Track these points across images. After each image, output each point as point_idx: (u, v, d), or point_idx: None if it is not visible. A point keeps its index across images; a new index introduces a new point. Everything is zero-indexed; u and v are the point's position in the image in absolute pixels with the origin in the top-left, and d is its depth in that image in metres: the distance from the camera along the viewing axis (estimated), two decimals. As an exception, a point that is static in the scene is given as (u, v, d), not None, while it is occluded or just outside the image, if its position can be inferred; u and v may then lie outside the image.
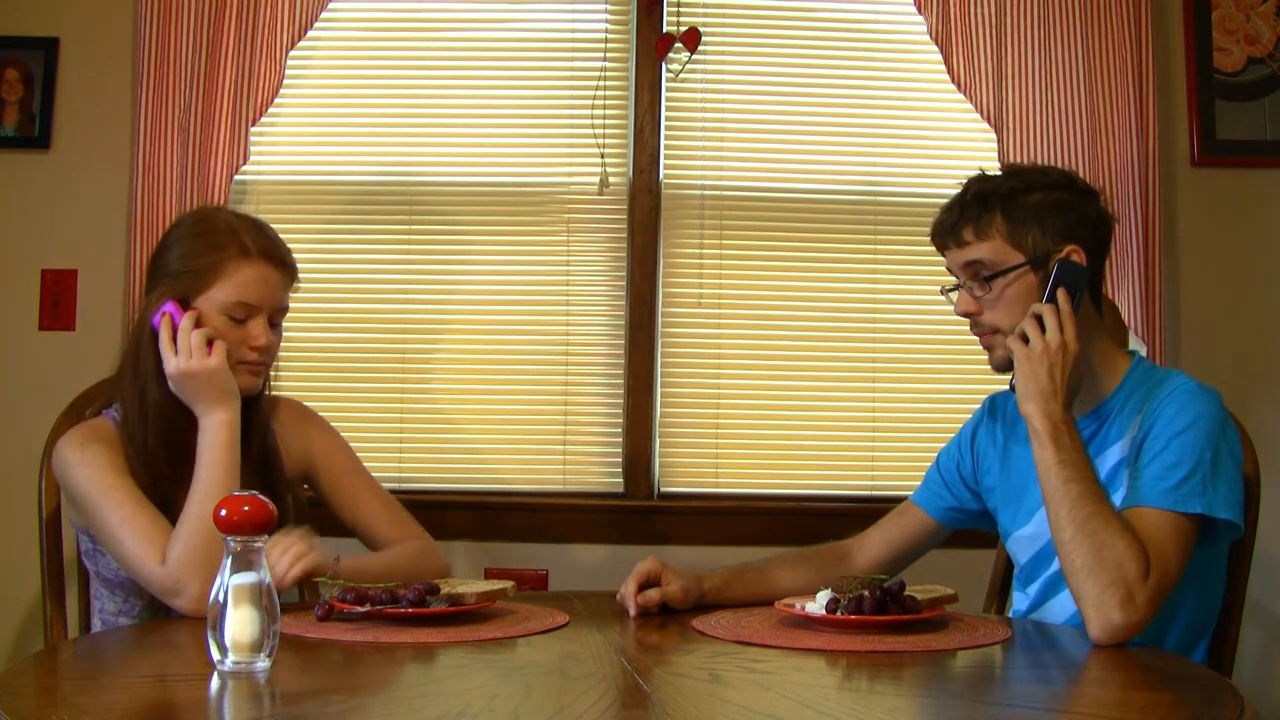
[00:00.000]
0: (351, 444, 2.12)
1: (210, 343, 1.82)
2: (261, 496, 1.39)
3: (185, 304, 1.85)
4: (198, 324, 1.83)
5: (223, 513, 1.37)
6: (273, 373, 1.98)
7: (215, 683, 1.34)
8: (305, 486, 2.09)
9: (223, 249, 1.86)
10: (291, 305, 1.95)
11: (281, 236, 1.95)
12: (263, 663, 1.37)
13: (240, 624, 1.36)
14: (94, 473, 1.80)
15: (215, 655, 1.37)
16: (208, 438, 1.80)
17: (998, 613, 2.16)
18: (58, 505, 2.03)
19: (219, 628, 1.36)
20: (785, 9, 2.96)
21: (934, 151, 2.94)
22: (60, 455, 1.85)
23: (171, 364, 1.81)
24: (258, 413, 1.96)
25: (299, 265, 1.95)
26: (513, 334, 2.91)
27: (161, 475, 1.83)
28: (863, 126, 2.94)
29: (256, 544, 1.38)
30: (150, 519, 1.77)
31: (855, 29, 2.97)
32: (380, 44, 2.93)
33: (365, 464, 2.10)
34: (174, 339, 1.82)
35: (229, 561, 1.37)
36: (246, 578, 1.37)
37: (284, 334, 1.95)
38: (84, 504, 1.82)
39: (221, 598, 1.36)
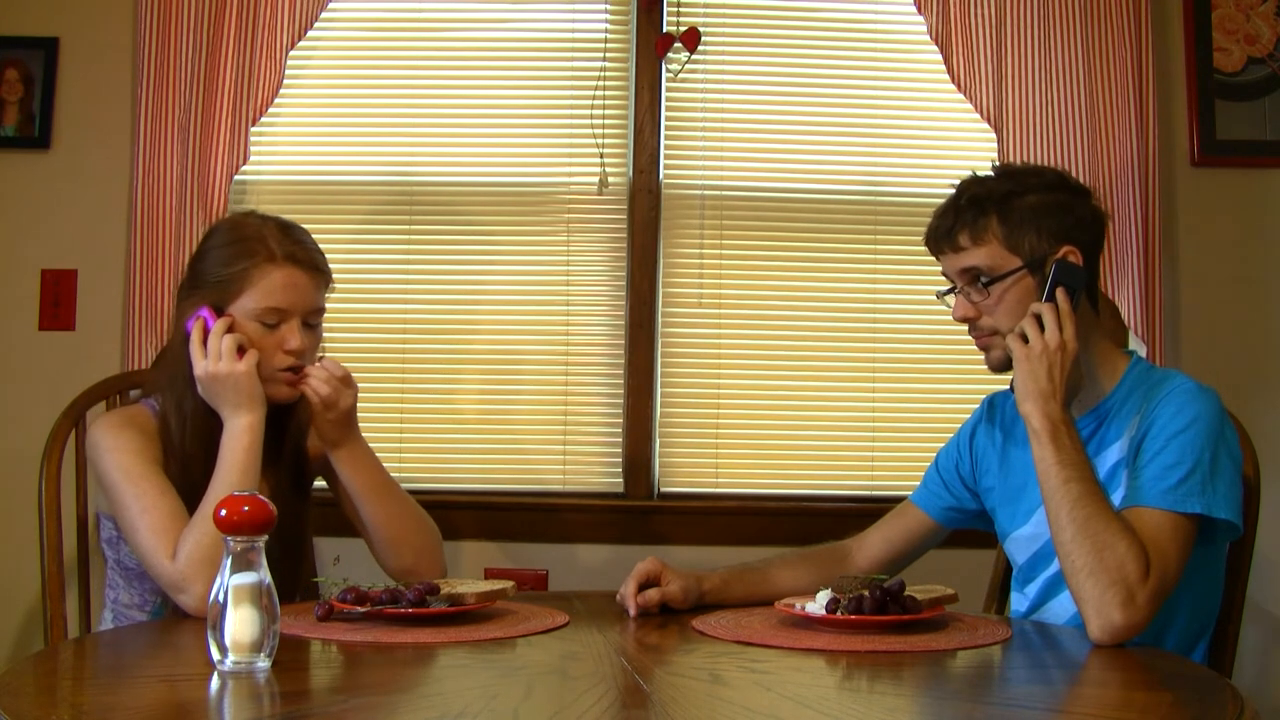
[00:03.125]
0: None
1: (242, 350, 1.83)
2: (261, 497, 1.40)
3: (220, 311, 1.86)
4: (230, 330, 1.84)
5: (223, 513, 1.37)
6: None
7: (215, 683, 1.34)
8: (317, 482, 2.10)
9: (250, 256, 1.87)
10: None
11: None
12: (263, 663, 1.37)
13: (240, 624, 1.36)
14: (123, 458, 1.81)
15: (215, 655, 1.37)
16: (230, 440, 1.81)
17: (998, 613, 2.16)
18: (59, 505, 2.03)
19: (219, 628, 1.36)
20: (785, 9, 2.96)
21: (934, 151, 2.93)
22: (94, 437, 1.87)
23: (200, 366, 1.83)
24: (296, 417, 1.97)
25: None
26: (513, 334, 2.91)
27: (195, 473, 1.84)
28: (863, 126, 2.94)
29: (257, 544, 1.38)
30: (170, 512, 1.77)
31: (855, 29, 2.97)
32: (380, 44, 2.93)
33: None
34: (205, 343, 1.83)
35: (229, 561, 1.37)
36: (246, 578, 1.37)
37: None
38: (108, 487, 1.83)
39: (221, 598, 1.36)
